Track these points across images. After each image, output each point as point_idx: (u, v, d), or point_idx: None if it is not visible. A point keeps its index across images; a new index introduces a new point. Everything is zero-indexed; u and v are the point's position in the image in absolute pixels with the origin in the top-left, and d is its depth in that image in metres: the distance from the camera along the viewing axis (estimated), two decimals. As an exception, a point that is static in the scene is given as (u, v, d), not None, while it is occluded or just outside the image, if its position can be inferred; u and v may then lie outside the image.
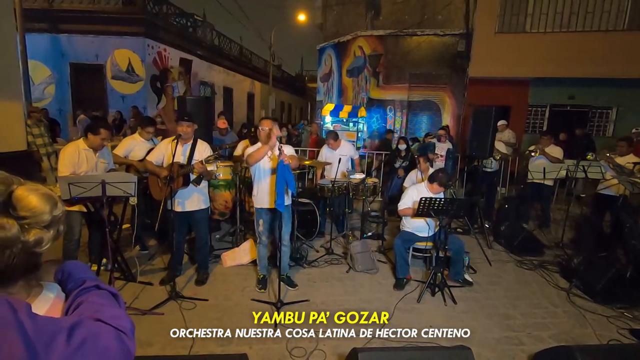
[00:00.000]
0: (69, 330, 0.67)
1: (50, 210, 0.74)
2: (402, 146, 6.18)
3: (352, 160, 5.37)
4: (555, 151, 5.47)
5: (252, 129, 5.35)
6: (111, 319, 0.74)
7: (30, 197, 0.73)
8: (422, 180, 4.33)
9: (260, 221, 3.62)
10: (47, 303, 0.79)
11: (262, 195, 3.54)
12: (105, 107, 10.69)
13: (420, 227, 3.96)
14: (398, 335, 2.99)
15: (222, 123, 6.31)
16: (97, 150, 3.49)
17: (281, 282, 3.37)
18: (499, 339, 3.02)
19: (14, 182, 0.75)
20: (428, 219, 3.84)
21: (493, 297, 3.73)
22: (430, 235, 3.92)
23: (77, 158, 3.36)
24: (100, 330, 0.71)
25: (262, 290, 3.66)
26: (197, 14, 14.27)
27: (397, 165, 6.12)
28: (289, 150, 3.55)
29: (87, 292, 0.81)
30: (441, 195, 3.89)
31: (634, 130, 7.54)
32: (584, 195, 7.33)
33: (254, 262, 4.22)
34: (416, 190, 4.01)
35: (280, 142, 3.32)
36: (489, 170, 6.11)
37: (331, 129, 9.51)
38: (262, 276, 3.77)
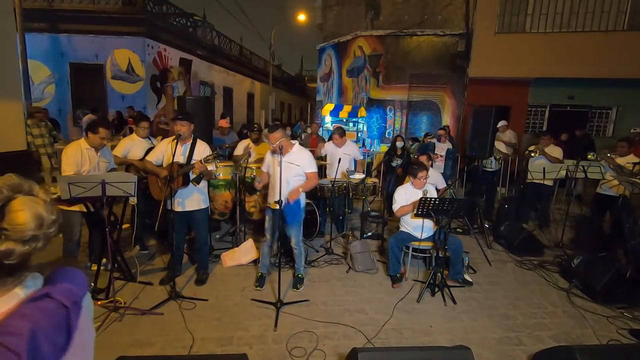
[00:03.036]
0: None
1: (33, 229, 0.76)
2: (399, 143, 6.17)
3: (355, 161, 5.37)
4: (556, 151, 5.48)
5: (255, 125, 5.37)
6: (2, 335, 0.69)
7: (19, 213, 0.75)
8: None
9: (267, 217, 3.71)
10: (10, 303, 0.75)
11: (268, 194, 3.67)
12: (105, 107, 10.69)
13: (419, 227, 3.96)
14: (398, 335, 3.00)
15: (224, 122, 6.31)
16: (99, 150, 3.50)
17: (280, 282, 3.38)
18: (498, 339, 3.02)
19: (22, 190, 0.78)
20: (425, 220, 3.83)
21: (493, 297, 3.74)
22: (426, 236, 3.89)
23: (79, 157, 3.38)
24: None
25: (259, 289, 3.69)
26: (197, 14, 14.27)
27: (394, 164, 6.12)
28: (303, 157, 3.48)
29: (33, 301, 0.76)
30: (427, 187, 3.92)
31: (632, 130, 7.53)
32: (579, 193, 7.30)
33: (254, 262, 4.23)
34: (403, 189, 4.05)
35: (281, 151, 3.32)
36: (489, 170, 6.12)
37: (331, 129, 9.51)
38: (260, 274, 3.81)
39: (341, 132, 5.31)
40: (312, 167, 3.54)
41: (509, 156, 7.30)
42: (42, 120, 6.80)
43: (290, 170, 3.43)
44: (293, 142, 3.62)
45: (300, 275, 3.83)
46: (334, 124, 9.78)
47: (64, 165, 3.34)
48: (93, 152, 3.48)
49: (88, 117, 8.86)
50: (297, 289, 3.72)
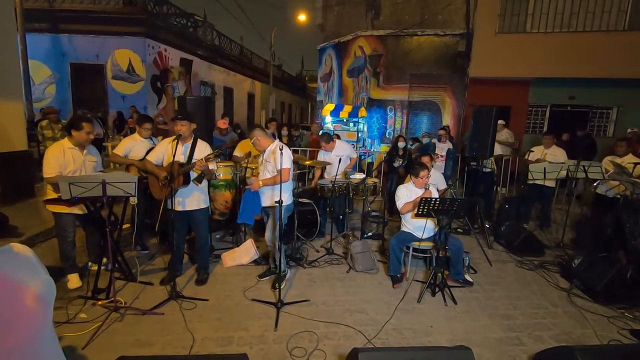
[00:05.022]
0: None
1: None
2: (401, 144, 6.17)
3: (349, 159, 5.36)
4: (559, 155, 5.48)
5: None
6: None
7: None
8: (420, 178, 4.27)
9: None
10: None
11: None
12: (105, 107, 10.71)
13: (420, 227, 3.95)
14: (398, 335, 2.99)
15: (222, 123, 6.32)
16: (84, 147, 3.43)
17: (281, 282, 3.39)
18: (499, 339, 3.02)
19: None
20: (428, 220, 3.83)
21: (493, 297, 3.73)
22: (427, 236, 3.89)
23: (62, 158, 3.29)
24: None
25: (257, 279, 3.86)
26: (197, 14, 14.29)
27: (396, 165, 6.11)
28: (275, 154, 3.43)
29: None
30: (429, 186, 3.98)
31: (629, 130, 7.47)
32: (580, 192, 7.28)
33: (254, 262, 4.23)
34: (405, 187, 4.07)
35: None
36: (488, 170, 6.11)
37: (331, 129, 9.50)
38: (267, 267, 3.97)
39: (326, 139, 5.21)
40: (283, 164, 3.30)
41: (507, 156, 7.29)
42: (57, 122, 6.70)
43: (266, 166, 3.61)
44: (273, 139, 3.72)
45: (283, 273, 3.68)
46: (334, 124, 9.77)
47: (45, 167, 3.25)
48: (77, 151, 3.38)
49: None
50: (275, 288, 3.52)
